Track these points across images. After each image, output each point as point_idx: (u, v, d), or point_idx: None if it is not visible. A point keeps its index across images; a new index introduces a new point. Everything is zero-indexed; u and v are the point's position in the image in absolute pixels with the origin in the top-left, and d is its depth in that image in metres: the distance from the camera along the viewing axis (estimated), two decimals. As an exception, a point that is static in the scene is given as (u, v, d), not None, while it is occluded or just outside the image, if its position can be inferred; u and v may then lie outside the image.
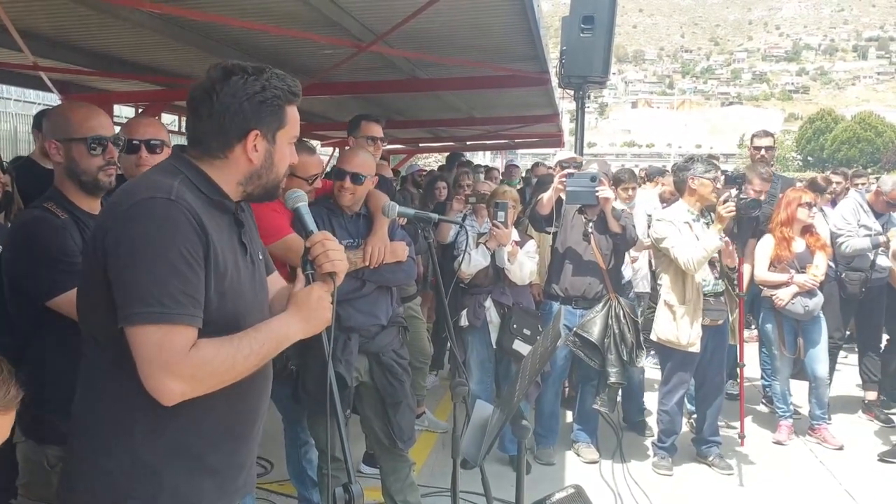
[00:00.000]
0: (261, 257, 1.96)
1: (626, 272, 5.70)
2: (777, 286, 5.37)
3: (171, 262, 1.58)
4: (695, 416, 5.41)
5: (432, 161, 24.41)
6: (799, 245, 5.39)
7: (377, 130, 4.29)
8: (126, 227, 1.60)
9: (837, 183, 8.36)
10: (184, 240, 1.60)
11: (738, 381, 6.54)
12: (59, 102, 7.27)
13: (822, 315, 5.43)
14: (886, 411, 6.11)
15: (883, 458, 5.22)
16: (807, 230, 5.43)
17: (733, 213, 4.63)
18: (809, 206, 5.35)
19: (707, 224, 4.84)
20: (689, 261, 4.63)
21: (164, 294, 1.56)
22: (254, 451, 1.93)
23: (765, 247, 5.46)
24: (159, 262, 1.57)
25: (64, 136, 2.36)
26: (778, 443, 5.50)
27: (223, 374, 1.64)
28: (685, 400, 5.31)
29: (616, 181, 6.26)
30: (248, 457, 1.89)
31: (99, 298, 1.64)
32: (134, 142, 2.72)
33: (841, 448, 5.38)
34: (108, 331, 1.63)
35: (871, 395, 6.18)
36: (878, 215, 6.04)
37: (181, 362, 1.57)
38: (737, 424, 5.84)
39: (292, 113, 1.82)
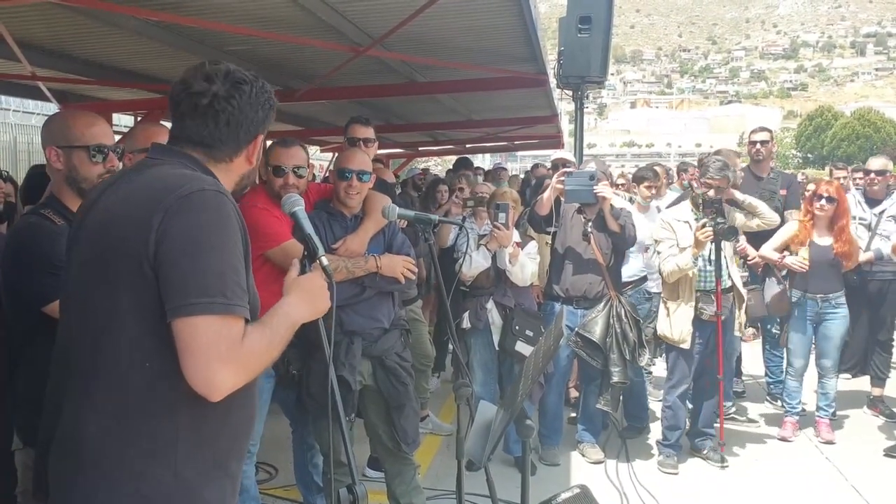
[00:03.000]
0: None
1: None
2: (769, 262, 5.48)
3: (227, 254, 1.58)
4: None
5: (432, 164, 24.44)
6: (825, 240, 5.34)
7: (366, 132, 4.27)
8: (181, 219, 1.56)
9: (844, 178, 8.35)
10: (234, 232, 1.62)
11: (739, 377, 6.58)
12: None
13: (844, 312, 5.40)
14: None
15: (889, 453, 5.20)
16: (839, 229, 5.29)
17: (710, 238, 4.68)
18: (820, 198, 5.31)
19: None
20: (665, 273, 4.86)
21: (225, 285, 1.55)
22: None
23: (784, 230, 5.48)
24: (218, 253, 1.57)
25: (65, 143, 2.36)
26: (783, 439, 5.48)
27: (265, 361, 1.64)
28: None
29: (638, 179, 6.32)
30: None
31: (135, 301, 1.57)
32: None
33: (830, 442, 5.38)
34: (148, 336, 1.56)
35: (878, 391, 6.15)
36: (875, 203, 6.00)
37: (239, 352, 1.55)
38: (756, 418, 5.88)
39: None
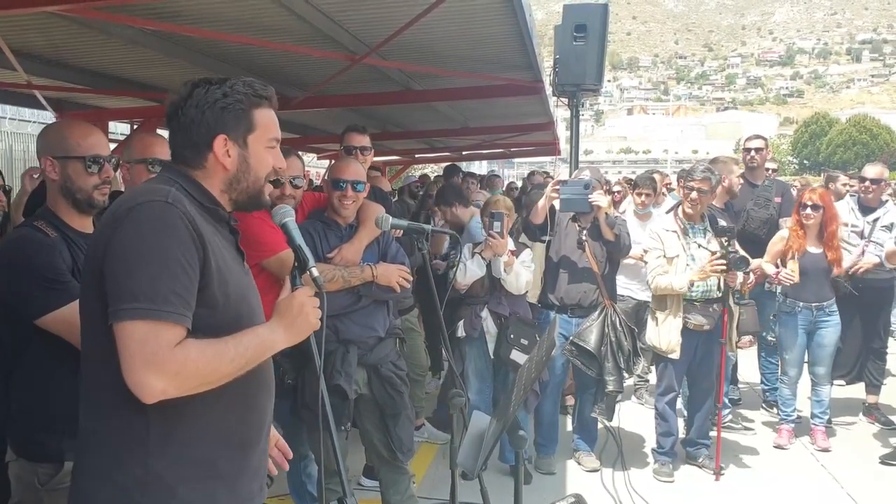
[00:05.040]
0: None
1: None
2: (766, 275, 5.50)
3: (163, 262, 1.60)
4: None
5: (429, 170, 24.45)
6: (816, 248, 5.34)
7: (362, 140, 4.28)
8: (121, 229, 1.63)
9: (844, 184, 8.35)
10: (178, 241, 1.63)
11: (735, 384, 6.58)
12: (53, 120, 7.29)
13: (836, 320, 5.42)
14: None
15: (885, 460, 5.20)
16: (829, 235, 5.29)
17: (719, 271, 4.70)
18: (805, 207, 5.32)
19: (704, 230, 4.90)
20: (655, 286, 4.87)
21: (154, 291, 1.58)
22: (265, 457, 1.93)
23: (774, 242, 5.49)
24: (151, 261, 1.60)
25: (61, 153, 2.35)
26: (779, 447, 5.49)
27: (207, 374, 1.64)
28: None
29: (633, 185, 6.32)
30: (260, 463, 1.90)
31: (99, 307, 1.65)
32: (149, 160, 2.77)
33: (826, 450, 5.40)
34: (109, 339, 1.63)
35: (873, 399, 6.16)
36: (869, 210, 6.01)
37: (166, 357, 1.57)
38: (751, 425, 5.88)
39: (263, 116, 1.85)
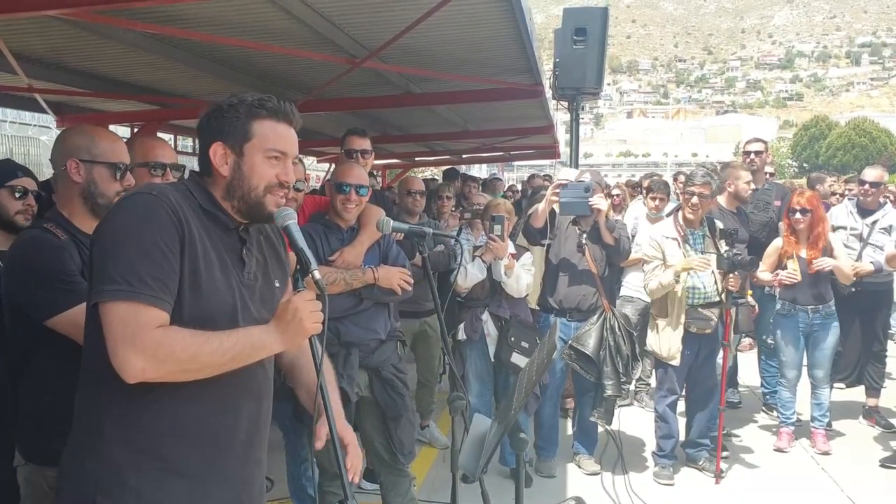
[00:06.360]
0: (277, 284, 2.01)
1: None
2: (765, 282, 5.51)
3: (142, 248, 1.68)
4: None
5: (428, 174, 24.47)
6: (804, 252, 5.37)
7: (362, 143, 4.29)
8: (108, 220, 1.75)
9: (830, 185, 8.36)
10: (159, 229, 1.70)
11: (735, 387, 6.57)
12: (54, 123, 7.30)
13: (834, 322, 5.43)
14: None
15: (885, 463, 5.20)
16: (815, 237, 5.31)
17: (706, 269, 4.73)
18: (794, 212, 5.34)
19: (703, 236, 4.90)
20: (649, 290, 4.91)
21: (132, 275, 1.65)
22: (245, 463, 1.91)
23: (771, 249, 5.50)
24: (131, 246, 1.68)
25: (88, 157, 2.36)
26: (779, 450, 5.49)
27: (186, 360, 1.68)
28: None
29: (646, 190, 6.32)
30: (239, 469, 1.88)
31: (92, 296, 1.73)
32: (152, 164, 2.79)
33: (826, 453, 5.40)
34: (94, 323, 1.70)
35: (873, 402, 6.16)
36: (867, 213, 6.01)
37: (144, 337, 1.63)
38: (738, 433, 5.86)
39: (263, 127, 1.88)
